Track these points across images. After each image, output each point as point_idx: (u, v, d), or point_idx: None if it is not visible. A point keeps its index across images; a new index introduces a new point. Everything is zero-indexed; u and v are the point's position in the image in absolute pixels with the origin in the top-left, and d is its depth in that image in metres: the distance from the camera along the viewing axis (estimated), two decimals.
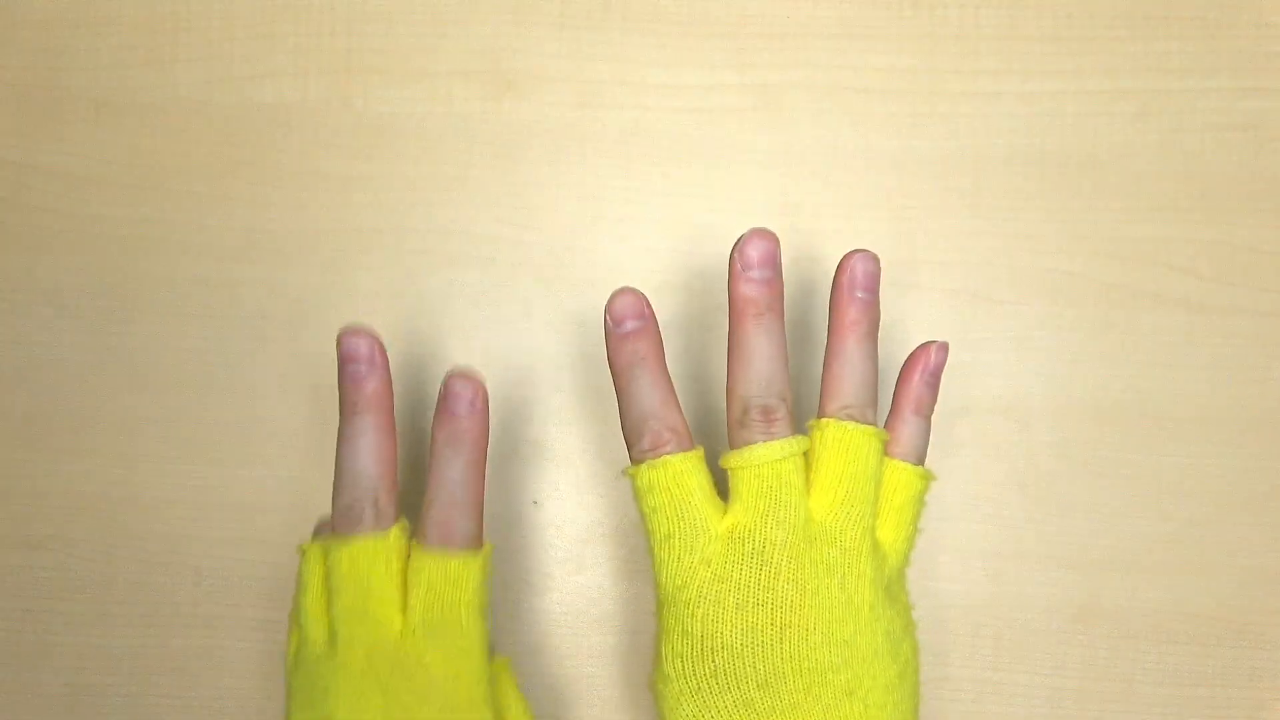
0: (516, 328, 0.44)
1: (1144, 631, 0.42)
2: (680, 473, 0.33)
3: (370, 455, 0.34)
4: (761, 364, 0.33)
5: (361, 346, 0.33)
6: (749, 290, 0.33)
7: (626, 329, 0.34)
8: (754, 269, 0.33)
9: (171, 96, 0.44)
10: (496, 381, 0.43)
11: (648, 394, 0.34)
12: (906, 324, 0.43)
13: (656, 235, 0.44)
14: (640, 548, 0.43)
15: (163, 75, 0.44)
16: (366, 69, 0.44)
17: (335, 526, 0.34)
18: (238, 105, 0.44)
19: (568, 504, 0.43)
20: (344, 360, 0.33)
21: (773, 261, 0.34)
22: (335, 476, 0.34)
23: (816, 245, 0.44)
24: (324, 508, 0.43)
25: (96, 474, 0.43)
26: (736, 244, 0.34)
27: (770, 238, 0.34)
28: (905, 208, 0.44)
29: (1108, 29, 0.44)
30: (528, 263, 0.44)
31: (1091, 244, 0.43)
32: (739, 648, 0.32)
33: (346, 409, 0.33)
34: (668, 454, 0.33)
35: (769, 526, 0.33)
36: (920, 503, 0.37)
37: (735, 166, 0.44)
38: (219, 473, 0.43)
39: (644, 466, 0.33)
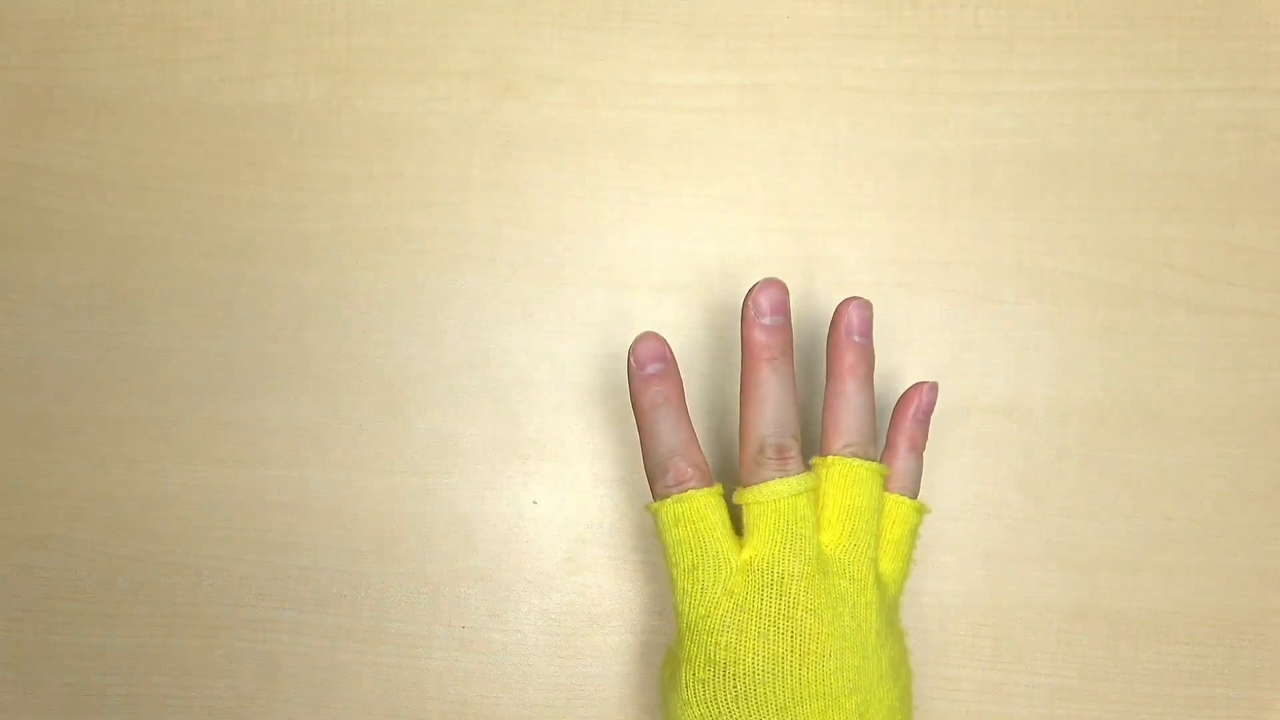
0: (516, 328, 0.44)
1: (1144, 631, 0.42)
2: (704, 507, 0.35)
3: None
4: (774, 405, 0.35)
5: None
6: (762, 336, 0.35)
7: (650, 371, 0.36)
8: (766, 316, 0.35)
9: (171, 96, 0.44)
10: (497, 381, 0.44)
11: (671, 433, 0.36)
12: (907, 324, 0.43)
13: (656, 235, 0.44)
14: (640, 548, 0.43)
15: (163, 75, 0.44)
16: (366, 69, 0.44)
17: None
18: (238, 105, 0.44)
19: (568, 504, 0.43)
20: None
21: (784, 309, 0.36)
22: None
23: (816, 245, 0.44)
24: (324, 507, 0.43)
25: (97, 474, 0.43)
26: (750, 292, 0.36)
27: (781, 287, 0.36)
28: (905, 208, 0.44)
29: (1108, 29, 0.44)
30: (528, 263, 0.44)
31: (1091, 244, 0.43)
32: (761, 674, 0.33)
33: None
34: (691, 489, 0.35)
35: (786, 559, 0.34)
36: (916, 535, 0.38)
37: (735, 166, 0.44)
38: (219, 473, 0.43)
39: (669, 501, 0.35)
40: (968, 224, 0.44)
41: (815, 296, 0.44)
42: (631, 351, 0.36)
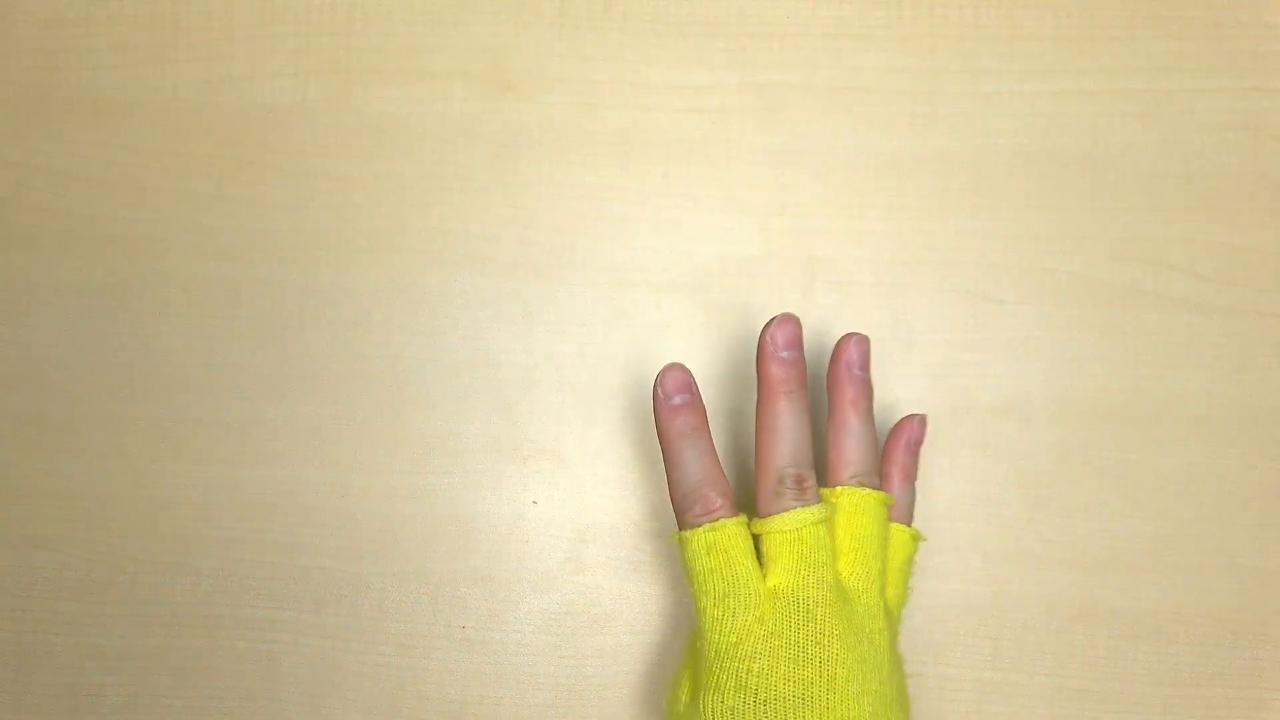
0: (516, 328, 0.44)
1: (1144, 631, 0.42)
2: (734, 535, 0.35)
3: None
4: (792, 437, 0.36)
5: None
6: (779, 370, 0.36)
7: (677, 402, 0.37)
8: (783, 350, 0.36)
9: (171, 96, 0.44)
10: (496, 381, 0.44)
11: (698, 463, 0.36)
12: (908, 324, 0.43)
13: (656, 235, 0.44)
14: (640, 549, 0.43)
15: (163, 75, 0.44)
16: (366, 69, 0.44)
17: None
18: (238, 105, 0.44)
19: (568, 504, 0.43)
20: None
21: (799, 344, 0.37)
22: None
23: (816, 245, 0.44)
24: (324, 507, 0.43)
25: (96, 474, 0.43)
26: (766, 327, 0.37)
27: (796, 322, 0.37)
28: (905, 208, 0.44)
29: (1108, 29, 0.44)
30: (528, 263, 0.44)
31: (1091, 244, 0.43)
32: (791, 700, 0.34)
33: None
34: (722, 518, 0.36)
35: (810, 586, 0.35)
36: (913, 563, 0.39)
37: (735, 166, 0.44)
38: (219, 472, 0.43)
39: (701, 530, 0.36)
40: (968, 224, 0.44)
41: (815, 296, 0.44)
42: (658, 382, 0.37)
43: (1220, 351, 0.43)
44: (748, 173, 0.44)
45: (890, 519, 0.38)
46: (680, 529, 0.36)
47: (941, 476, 0.43)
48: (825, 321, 0.43)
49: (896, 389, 0.43)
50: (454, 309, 0.44)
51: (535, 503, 0.43)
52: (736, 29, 0.44)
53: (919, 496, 0.43)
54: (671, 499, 0.37)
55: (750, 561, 0.35)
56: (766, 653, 0.34)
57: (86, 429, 0.43)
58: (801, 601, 0.35)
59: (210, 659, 0.43)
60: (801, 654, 0.34)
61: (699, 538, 0.35)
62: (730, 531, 0.35)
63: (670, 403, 0.36)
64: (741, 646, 0.34)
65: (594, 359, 0.44)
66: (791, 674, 0.34)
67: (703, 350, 0.44)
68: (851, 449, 0.37)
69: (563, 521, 0.43)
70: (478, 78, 0.44)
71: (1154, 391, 0.43)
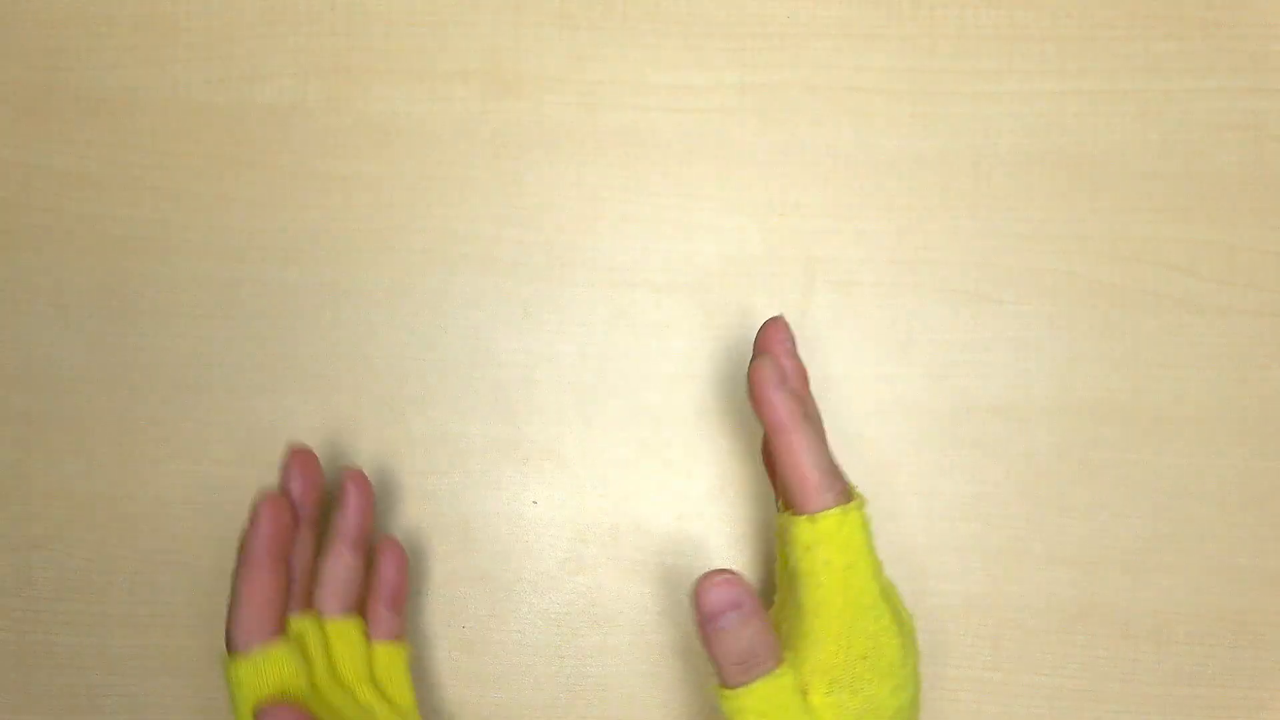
0: (516, 328, 0.44)
1: (1144, 631, 0.42)
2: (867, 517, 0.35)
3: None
4: (823, 432, 0.36)
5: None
6: (799, 363, 0.37)
7: (788, 389, 0.34)
8: (790, 344, 0.37)
9: (171, 96, 0.44)
10: (497, 381, 0.43)
11: (825, 446, 0.34)
12: (908, 324, 0.43)
13: (656, 235, 0.44)
14: (640, 548, 0.43)
15: (163, 75, 0.44)
16: (366, 69, 0.44)
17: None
18: (238, 105, 0.44)
19: (568, 504, 0.43)
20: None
21: (795, 345, 0.37)
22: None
23: (816, 245, 0.44)
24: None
25: (96, 474, 0.43)
26: (764, 329, 0.36)
27: (785, 322, 0.37)
28: (905, 208, 0.44)
29: (1108, 29, 0.44)
30: (528, 263, 0.44)
31: (1091, 244, 0.43)
32: (912, 677, 0.35)
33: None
34: (858, 498, 0.35)
35: (879, 569, 0.35)
36: None
37: (735, 166, 0.44)
38: (219, 473, 0.43)
39: (853, 508, 0.34)
40: (968, 224, 0.44)
41: (815, 296, 0.44)
42: (759, 369, 0.34)
43: (1220, 351, 0.43)
44: (748, 173, 0.44)
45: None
46: (806, 511, 0.33)
47: (941, 476, 0.43)
48: (825, 321, 0.43)
49: (896, 389, 0.43)
50: (454, 309, 0.44)
51: (535, 503, 0.43)
52: (736, 29, 0.44)
53: (918, 496, 0.43)
54: (797, 483, 0.34)
55: None
56: (896, 628, 0.34)
57: (86, 428, 0.43)
58: (889, 580, 0.35)
59: (210, 659, 0.43)
60: (906, 625, 0.35)
61: (854, 516, 0.34)
62: (864, 514, 0.34)
63: (785, 389, 0.34)
64: (891, 623, 0.34)
65: (594, 359, 0.44)
66: (910, 645, 0.35)
67: (703, 350, 0.44)
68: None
69: (563, 521, 0.43)
70: (478, 78, 0.44)
71: (1154, 391, 0.43)
